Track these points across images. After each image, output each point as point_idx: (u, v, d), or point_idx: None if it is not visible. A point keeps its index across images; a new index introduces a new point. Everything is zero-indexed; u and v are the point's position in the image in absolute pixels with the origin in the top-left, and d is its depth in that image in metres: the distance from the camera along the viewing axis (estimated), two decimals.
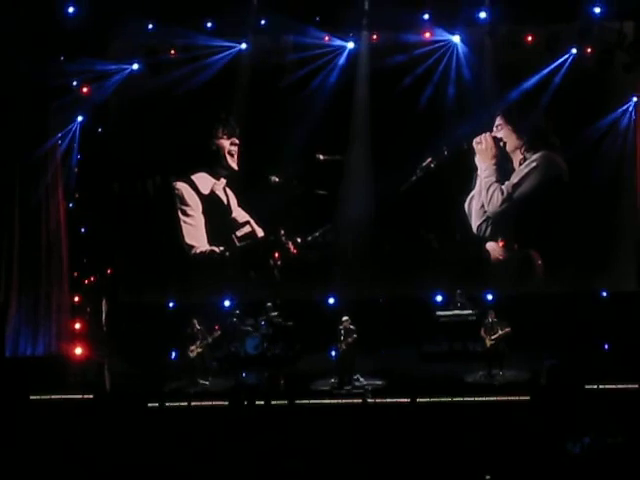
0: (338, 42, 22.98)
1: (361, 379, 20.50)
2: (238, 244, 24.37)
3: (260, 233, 24.38)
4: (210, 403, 19.12)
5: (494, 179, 23.75)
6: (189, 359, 21.19)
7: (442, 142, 23.55)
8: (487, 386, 20.03)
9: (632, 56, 21.85)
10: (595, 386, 18.77)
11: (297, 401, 18.61)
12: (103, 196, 24.14)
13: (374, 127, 23.32)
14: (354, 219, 23.70)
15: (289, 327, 22.91)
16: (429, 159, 23.77)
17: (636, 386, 18.71)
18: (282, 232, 24.20)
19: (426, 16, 22.21)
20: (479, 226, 23.91)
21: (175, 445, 15.93)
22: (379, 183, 23.40)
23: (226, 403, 18.61)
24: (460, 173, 23.77)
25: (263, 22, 22.57)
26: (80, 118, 23.11)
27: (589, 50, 22.26)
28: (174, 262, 24.22)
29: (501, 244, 23.80)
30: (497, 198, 23.74)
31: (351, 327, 20.62)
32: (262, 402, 18.13)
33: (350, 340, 20.49)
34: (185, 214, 24.44)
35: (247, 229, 24.39)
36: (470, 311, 22.48)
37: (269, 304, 23.08)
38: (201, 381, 21.00)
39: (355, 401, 19.03)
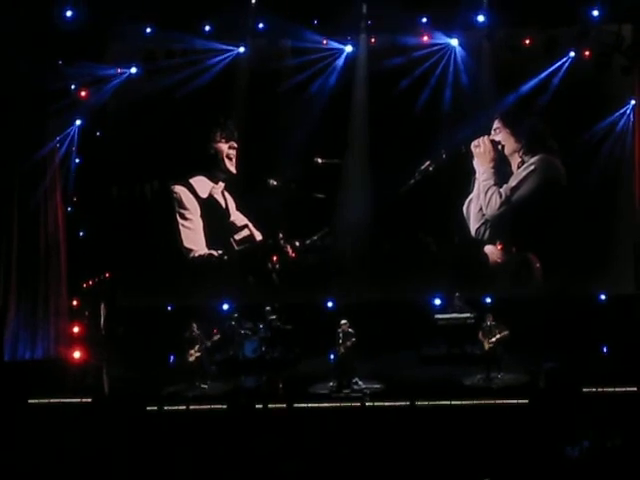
0: (336, 45, 23.01)
1: (360, 382, 20.47)
2: (236, 248, 24.38)
3: (258, 237, 24.39)
4: (209, 407, 19.10)
5: (492, 182, 23.76)
6: (188, 363, 21.16)
7: (440, 145, 23.57)
8: (485, 389, 19.99)
9: (630, 59, 21.87)
10: (594, 389, 18.75)
11: (296, 404, 18.59)
12: (101, 200, 24.13)
13: (372, 131, 23.35)
14: (352, 223, 23.70)
15: (288, 331, 22.89)
16: (427, 162, 23.78)
17: (635, 389, 18.68)
18: (280, 236, 24.21)
19: (424, 19, 22.26)
20: (477, 229, 23.92)
21: (174, 449, 15.94)
22: (377, 186, 23.40)
23: (224, 407, 18.60)
24: (458, 176, 23.78)
25: (261, 26, 22.61)
26: (79, 122, 23.13)
27: (587, 53, 22.28)
28: (172, 266, 24.20)
29: (499, 247, 23.81)
30: (495, 201, 23.75)
31: (350, 330, 20.59)
32: (261, 405, 18.13)
33: (349, 343, 20.45)
34: (183, 218, 24.44)
35: (245, 233, 24.40)
36: (468, 314, 22.44)
37: (268, 308, 23.05)
38: (200, 385, 20.98)
39: (354, 404, 19.01)
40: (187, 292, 23.93)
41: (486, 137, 23.66)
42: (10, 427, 17.52)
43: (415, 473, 14.87)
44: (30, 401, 19.57)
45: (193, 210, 24.41)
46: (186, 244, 24.37)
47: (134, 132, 23.68)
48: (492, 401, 18.73)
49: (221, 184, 24.38)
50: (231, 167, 24.24)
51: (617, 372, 19.87)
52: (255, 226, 24.36)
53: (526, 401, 18.36)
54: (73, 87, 22.46)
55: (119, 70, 22.84)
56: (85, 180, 23.66)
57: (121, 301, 24.30)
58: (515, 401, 18.51)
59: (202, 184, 24.42)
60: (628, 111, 22.80)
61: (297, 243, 24.22)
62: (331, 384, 20.46)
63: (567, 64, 22.56)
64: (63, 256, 22.75)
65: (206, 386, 20.98)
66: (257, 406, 18.09)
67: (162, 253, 24.21)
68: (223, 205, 24.44)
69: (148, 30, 22.25)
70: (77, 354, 21.74)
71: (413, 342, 22.75)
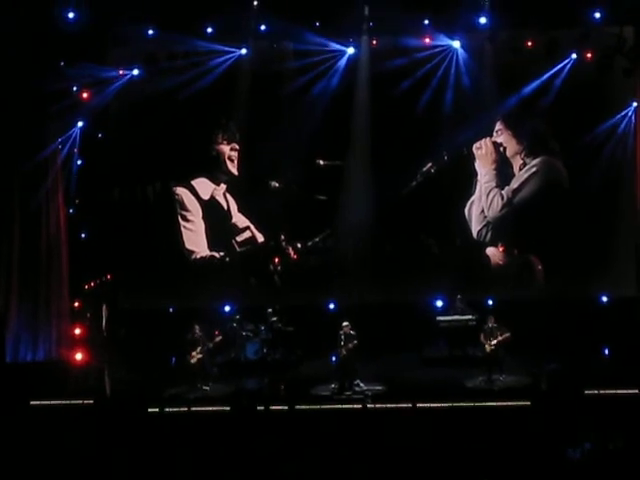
0: (338, 47, 23.00)
1: (361, 384, 20.47)
2: (238, 249, 24.38)
3: (260, 238, 24.39)
4: (210, 408, 19.10)
5: (494, 184, 23.76)
6: (189, 365, 21.16)
7: (442, 147, 23.57)
8: (487, 391, 20.00)
9: (632, 61, 21.88)
10: (595, 391, 18.74)
11: (297, 406, 18.58)
12: (103, 201, 24.14)
13: (374, 132, 23.34)
14: (354, 224, 23.68)
15: (289, 332, 22.89)
16: (429, 164, 23.78)
17: (636, 391, 18.67)
18: (282, 237, 24.21)
19: (426, 21, 22.26)
20: (479, 231, 23.91)
21: (175, 450, 15.92)
22: (379, 188, 23.40)
23: (226, 408, 18.59)
24: (460, 178, 23.78)
25: (263, 27, 22.61)
26: (80, 123, 23.14)
27: (589, 55, 22.29)
28: (174, 268, 24.20)
29: (501, 249, 23.80)
30: (497, 203, 23.74)
31: (351, 332, 20.60)
32: (262, 407, 18.11)
33: (350, 345, 20.46)
34: (185, 219, 24.44)
35: (247, 234, 24.40)
36: (470, 316, 22.44)
37: (269, 310, 23.06)
38: (201, 387, 20.97)
39: (355, 406, 19.01)
40: (189, 294, 23.93)
41: (488, 139, 23.66)
42: (12, 429, 17.50)
43: (417, 475, 14.85)
44: (32, 403, 19.58)
45: (195, 212, 24.41)
46: (188, 246, 24.38)
47: (136, 134, 23.68)
48: (494, 403, 18.73)
49: (223, 186, 24.39)
50: (233, 169, 24.24)
51: (619, 374, 19.86)
52: (257, 228, 24.37)
53: (528, 403, 18.35)
54: (75, 89, 22.50)
55: (121, 72, 22.85)
56: (87, 182, 23.66)
57: (123, 303, 24.31)
58: (517, 403, 18.50)
59: (204, 186, 24.42)
60: (630, 113, 22.79)
61: (299, 245, 24.22)
62: (333, 386, 20.47)
63: (569, 66, 22.55)
64: (65, 258, 22.76)
65: (208, 388, 20.99)
66: (259, 408, 18.06)
67: (164, 255, 24.22)
68: (225, 207, 24.44)
69: (150, 32, 22.29)
70: (79, 356, 21.78)
71: (415, 344, 22.75)
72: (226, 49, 22.97)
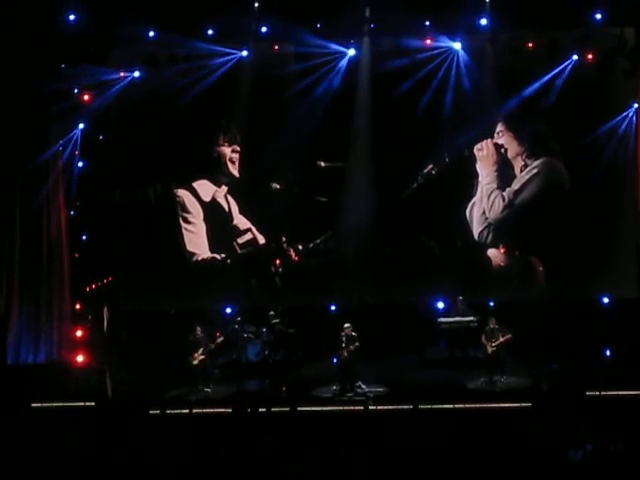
0: (339, 48, 23.00)
1: (363, 386, 20.47)
2: (239, 251, 24.39)
3: (261, 240, 24.40)
4: (212, 410, 19.10)
5: (495, 186, 23.76)
6: (191, 366, 21.17)
7: (443, 148, 23.59)
8: (488, 393, 20.01)
9: (633, 62, 21.86)
10: (597, 392, 18.74)
11: (299, 408, 18.56)
12: (104, 203, 24.15)
13: (375, 134, 23.35)
14: (355, 226, 23.69)
15: (291, 334, 22.89)
16: (430, 166, 23.79)
17: (638, 392, 18.66)
18: (283, 239, 24.22)
19: (427, 23, 22.26)
20: (480, 233, 23.92)
21: (177, 452, 15.90)
22: (380, 190, 23.41)
23: (228, 410, 18.58)
24: (461, 180, 23.79)
25: (264, 29, 22.60)
26: (81, 125, 23.13)
27: (590, 56, 22.27)
28: (175, 269, 24.21)
29: (502, 251, 23.80)
30: (498, 205, 23.74)
31: (353, 334, 20.61)
32: (264, 409, 18.09)
33: (352, 347, 20.47)
34: (186, 221, 24.45)
35: (248, 236, 24.40)
36: (471, 318, 22.45)
37: (271, 312, 23.06)
38: (203, 388, 20.97)
39: (357, 408, 18.98)
40: (190, 296, 23.92)
41: (489, 140, 23.67)
42: (13, 431, 17.48)
43: (418, 477, 14.83)
44: (33, 405, 19.58)
45: (196, 214, 24.42)
46: (189, 248, 24.39)
47: (137, 136, 23.69)
48: (495, 404, 18.73)
49: (224, 188, 24.39)
50: (234, 171, 24.25)
51: (620, 375, 19.87)
52: (258, 229, 24.37)
53: (529, 404, 18.35)
54: (76, 90, 22.47)
55: (122, 74, 22.80)
56: (88, 183, 23.66)
57: (124, 305, 24.32)
58: (518, 404, 18.51)
59: (205, 188, 24.42)
60: (631, 114, 22.81)
61: (300, 246, 24.23)
62: (334, 387, 20.48)
63: (570, 67, 22.55)
64: (66, 260, 22.76)
65: (209, 389, 21.02)
66: (260, 409, 18.05)
67: (165, 257, 24.22)
68: (226, 209, 24.45)
69: (151, 34, 22.22)
70: (80, 358, 21.77)
71: (416, 345, 22.76)
72: (227, 51, 22.95)
